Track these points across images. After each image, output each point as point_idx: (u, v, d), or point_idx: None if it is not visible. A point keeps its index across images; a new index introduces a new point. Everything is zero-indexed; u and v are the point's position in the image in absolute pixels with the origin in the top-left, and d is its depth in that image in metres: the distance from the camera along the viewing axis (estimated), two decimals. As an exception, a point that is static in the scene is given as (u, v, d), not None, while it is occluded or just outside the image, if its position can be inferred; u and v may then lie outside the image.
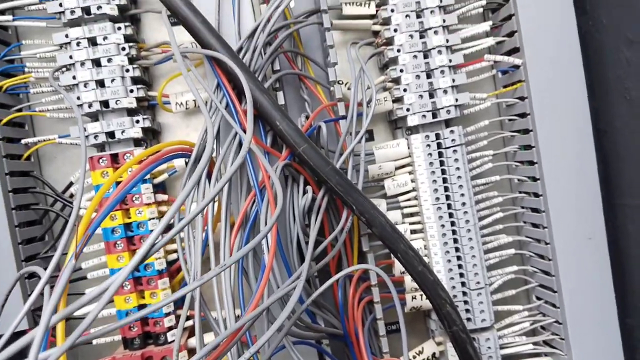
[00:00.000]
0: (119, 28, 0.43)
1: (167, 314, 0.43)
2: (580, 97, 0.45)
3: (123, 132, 0.43)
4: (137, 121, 0.43)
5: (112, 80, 0.43)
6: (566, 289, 0.44)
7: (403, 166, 0.47)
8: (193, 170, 0.37)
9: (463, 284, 0.45)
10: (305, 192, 0.40)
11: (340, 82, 0.47)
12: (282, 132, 0.38)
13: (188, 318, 0.41)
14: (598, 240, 0.45)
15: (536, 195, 0.46)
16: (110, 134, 0.43)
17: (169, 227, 0.27)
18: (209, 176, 0.39)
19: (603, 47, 0.48)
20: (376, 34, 0.47)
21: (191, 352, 0.44)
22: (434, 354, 0.47)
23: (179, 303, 0.44)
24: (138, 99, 0.44)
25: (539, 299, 0.48)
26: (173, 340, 0.43)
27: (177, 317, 0.44)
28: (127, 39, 0.44)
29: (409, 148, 0.46)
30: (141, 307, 0.43)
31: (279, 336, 0.33)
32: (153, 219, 0.43)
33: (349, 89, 0.47)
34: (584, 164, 0.45)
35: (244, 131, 0.37)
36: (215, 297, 0.34)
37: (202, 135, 0.38)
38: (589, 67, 0.46)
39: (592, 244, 0.45)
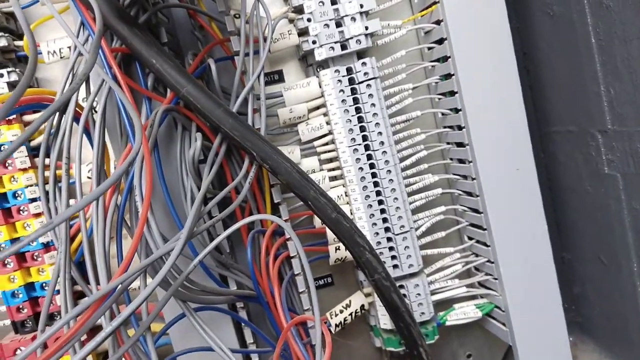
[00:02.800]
0: (-33, -34, 0.37)
1: (59, 292, 0.39)
2: (502, 16, 0.41)
3: (-16, 88, 0.37)
4: (1, 75, 0.38)
5: (-36, 29, 0.37)
6: (495, 226, 0.42)
7: (317, 108, 0.43)
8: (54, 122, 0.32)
9: (387, 229, 0.42)
10: (195, 139, 0.35)
11: (237, 15, 0.42)
12: (160, 72, 0.33)
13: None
14: (526, 171, 0.42)
15: (459, 128, 0.42)
16: (-31, 92, 0.37)
17: None
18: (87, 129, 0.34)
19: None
20: (276, -41, 0.42)
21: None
22: (362, 306, 0.44)
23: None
24: (2, 51, 0.38)
25: (470, 239, 0.46)
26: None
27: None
28: (-19, -21, 0.38)
29: (320, 86, 0.42)
30: (28, 286, 0.38)
31: (162, 300, 0.28)
32: (31, 185, 0.38)
33: (247, 22, 0.42)
34: (508, 91, 0.41)
35: (113, 74, 0.32)
36: (87, 262, 0.30)
37: (64, 84, 0.33)
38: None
39: (520, 175, 0.41)
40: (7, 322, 0.39)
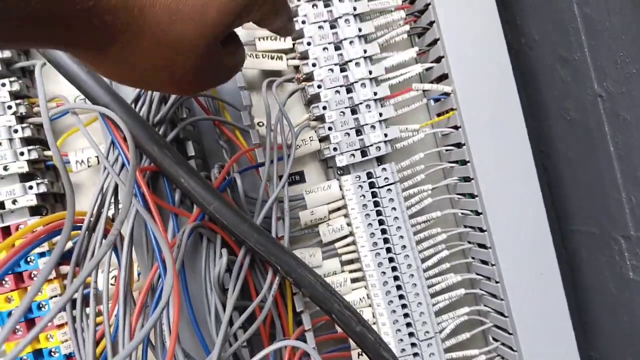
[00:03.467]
0: (3, 84, 0.38)
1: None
2: (517, 119, 0.42)
3: (14, 201, 0.38)
4: (31, 187, 0.38)
5: (-2, 144, 0.38)
6: (521, 331, 0.41)
7: (338, 209, 0.43)
8: (83, 242, 0.33)
9: (411, 334, 0.41)
10: (220, 255, 0.35)
11: (261, 123, 0.43)
12: (188, 190, 0.34)
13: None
14: (551, 275, 0.41)
15: (481, 230, 0.42)
16: (0, 205, 0.38)
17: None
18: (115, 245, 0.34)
19: (537, 65, 0.45)
20: (297, 68, 0.44)
21: None
22: (387, 414, 0.42)
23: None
24: (32, 162, 0.39)
25: (495, 340, 0.45)
26: None
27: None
28: (15, 95, 0.39)
29: (341, 189, 0.42)
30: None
31: None
32: (55, 296, 0.38)
33: (272, 130, 0.43)
34: (528, 191, 0.42)
35: (142, 194, 0.33)
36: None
37: (96, 200, 0.34)
38: (525, 88, 0.44)
39: (545, 279, 0.41)
40: None
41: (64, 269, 0.39)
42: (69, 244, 0.40)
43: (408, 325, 0.41)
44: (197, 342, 0.35)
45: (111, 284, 0.40)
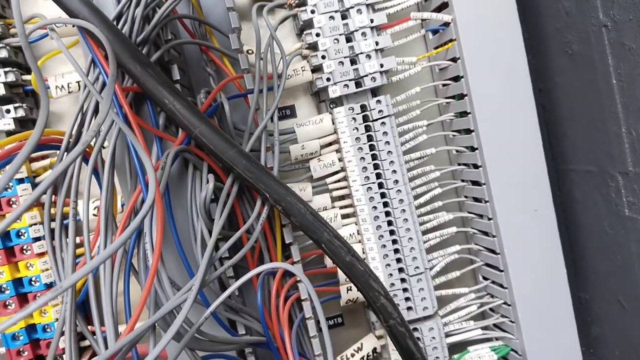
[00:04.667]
0: (-24, 1, 0.36)
1: (63, 333, 0.37)
2: (518, 54, 0.40)
3: (-10, 124, 0.36)
4: (8, 111, 0.37)
5: (-28, 65, 0.36)
6: (513, 268, 0.40)
7: (329, 144, 0.42)
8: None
9: (401, 269, 0.41)
10: (207, 181, 0.34)
11: (250, 51, 0.41)
12: (173, 112, 0.32)
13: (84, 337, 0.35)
14: (545, 212, 0.41)
15: (475, 166, 0.41)
16: (-25, 128, 0.37)
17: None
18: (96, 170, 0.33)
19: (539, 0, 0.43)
20: (289, -6, 0.41)
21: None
22: (374, 349, 0.42)
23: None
24: (9, 85, 0.37)
25: (485, 279, 0.44)
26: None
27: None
28: (-10, 14, 0.37)
29: (333, 123, 0.41)
30: (30, 327, 0.37)
31: (174, 354, 0.27)
32: (35, 224, 0.37)
33: (262, 59, 0.41)
34: (526, 128, 0.41)
35: (124, 114, 0.31)
36: (93, 310, 0.28)
37: (75, 121, 0.32)
38: (525, 21, 0.42)
39: (538, 216, 0.40)
40: (7, 365, 0.38)
41: (44, 198, 0.38)
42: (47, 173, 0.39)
43: (398, 260, 0.41)
44: (183, 271, 0.34)
45: (93, 215, 0.39)
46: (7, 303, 0.37)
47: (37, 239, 0.37)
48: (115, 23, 0.34)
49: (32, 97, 0.41)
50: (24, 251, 0.37)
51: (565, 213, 0.46)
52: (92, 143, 0.34)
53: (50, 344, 0.31)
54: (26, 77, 0.39)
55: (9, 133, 0.37)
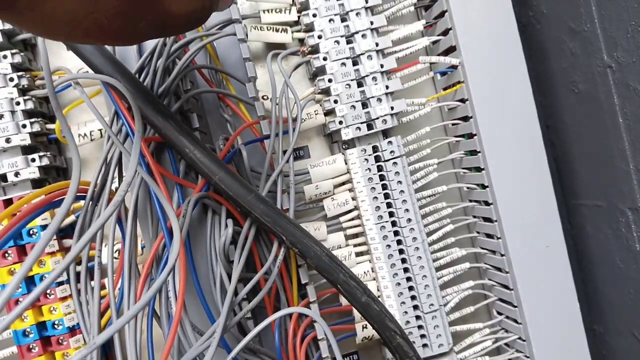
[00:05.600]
0: (5, 56, 0.38)
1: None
2: (525, 93, 0.41)
3: (17, 174, 0.38)
4: (33, 160, 0.38)
5: (0, 117, 0.38)
6: (527, 303, 0.41)
7: (342, 183, 0.43)
8: (87, 212, 0.32)
9: (416, 307, 0.41)
10: (226, 225, 0.35)
11: (266, 97, 0.43)
12: (193, 160, 0.33)
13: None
14: (556, 247, 0.41)
15: (487, 203, 0.42)
16: (2, 177, 0.38)
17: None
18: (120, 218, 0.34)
19: (545, 39, 0.45)
20: (302, 41, 0.43)
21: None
22: (391, 387, 0.42)
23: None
24: (34, 134, 0.39)
25: (500, 314, 0.45)
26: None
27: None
28: (17, 67, 0.39)
29: (346, 163, 0.42)
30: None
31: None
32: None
33: (277, 104, 0.42)
34: (535, 165, 0.42)
35: (147, 164, 0.33)
36: (117, 356, 0.29)
37: (100, 170, 0.33)
38: (532, 61, 0.43)
39: (550, 251, 0.41)
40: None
41: (68, 242, 0.39)
42: (72, 218, 0.40)
43: (413, 298, 0.41)
44: (202, 314, 0.35)
45: (115, 258, 0.40)
46: (30, 347, 0.38)
47: (60, 283, 0.38)
48: (137, 76, 0.36)
49: (55, 145, 0.42)
50: (48, 295, 0.38)
51: (576, 247, 0.47)
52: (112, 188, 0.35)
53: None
54: (50, 126, 0.40)
55: (33, 181, 0.39)
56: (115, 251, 0.41)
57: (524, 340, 0.42)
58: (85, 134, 0.40)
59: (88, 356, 0.30)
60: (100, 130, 0.40)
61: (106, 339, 0.22)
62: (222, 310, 0.29)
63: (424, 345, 0.41)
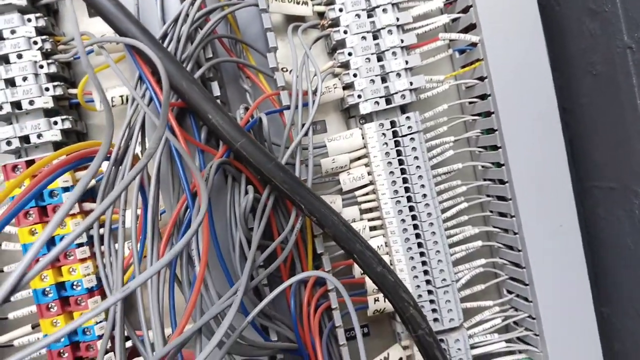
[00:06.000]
0: (29, 20, 0.38)
1: (101, 336, 0.39)
2: (544, 74, 0.42)
3: (39, 135, 0.38)
4: (55, 122, 0.39)
5: (24, 79, 0.38)
6: (538, 282, 0.41)
7: (358, 158, 0.43)
8: (110, 175, 0.33)
9: (428, 281, 0.42)
10: (246, 192, 0.36)
11: (285, 69, 0.43)
12: (216, 126, 0.34)
13: (128, 339, 0.37)
14: (570, 228, 0.42)
15: (502, 182, 0.43)
16: (25, 139, 0.38)
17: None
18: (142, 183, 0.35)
19: (564, 20, 0.45)
20: (322, 15, 0.43)
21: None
22: (400, 359, 0.43)
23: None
24: (56, 98, 0.39)
25: (510, 292, 0.45)
26: (111, 366, 0.39)
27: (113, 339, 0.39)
28: (41, 31, 0.39)
29: (363, 138, 0.42)
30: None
31: (217, 357, 0.28)
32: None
33: (297, 76, 0.43)
34: (551, 146, 0.42)
35: (171, 128, 0.33)
36: (141, 315, 0.30)
37: (123, 134, 0.34)
38: (551, 42, 0.43)
39: (563, 231, 0.41)
40: (48, 367, 0.39)
41: (89, 205, 0.40)
42: (93, 182, 0.41)
43: (425, 272, 0.42)
44: (222, 278, 0.35)
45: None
46: (49, 306, 0.38)
47: (80, 245, 0.38)
48: (161, 42, 0.36)
49: (75, 110, 0.43)
50: (67, 256, 0.38)
51: (588, 229, 0.47)
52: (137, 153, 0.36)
53: (100, 343, 0.32)
54: (72, 90, 0.41)
55: (55, 143, 0.39)
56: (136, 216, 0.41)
57: (533, 318, 0.43)
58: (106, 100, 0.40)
59: (112, 310, 0.31)
60: (121, 96, 0.40)
61: (131, 291, 0.22)
62: (245, 271, 0.30)
63: (435, 319, 0.42)
